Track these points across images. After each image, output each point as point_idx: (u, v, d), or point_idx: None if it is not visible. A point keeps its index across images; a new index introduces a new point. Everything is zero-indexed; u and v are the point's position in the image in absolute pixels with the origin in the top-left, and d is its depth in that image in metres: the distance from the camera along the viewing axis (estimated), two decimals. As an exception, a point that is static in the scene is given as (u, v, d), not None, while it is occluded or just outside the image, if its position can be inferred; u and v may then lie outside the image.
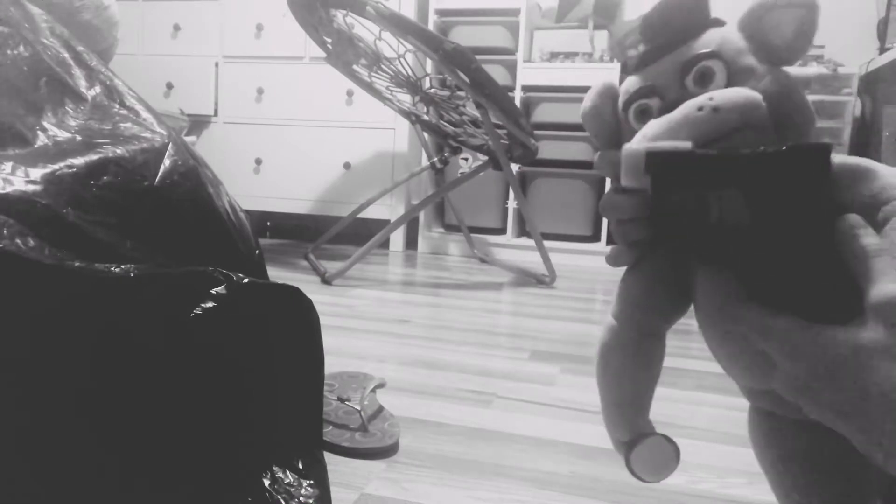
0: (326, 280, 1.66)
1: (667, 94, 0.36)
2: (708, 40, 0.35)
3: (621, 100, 0.39)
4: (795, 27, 0.34)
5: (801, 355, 0.29)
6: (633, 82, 0.38)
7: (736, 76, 0.35)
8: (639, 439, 0.39)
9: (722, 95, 0.33)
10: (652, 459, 0.38)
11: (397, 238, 2.38)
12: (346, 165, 2.29)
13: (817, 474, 0.37)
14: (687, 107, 0.33)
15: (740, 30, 0.36)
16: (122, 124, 0.57)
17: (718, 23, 0.36)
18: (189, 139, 2.31)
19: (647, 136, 0.34)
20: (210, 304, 0.49)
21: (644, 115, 0.37)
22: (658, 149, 0.32)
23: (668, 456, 0.38)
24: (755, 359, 0.33)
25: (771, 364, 0.31)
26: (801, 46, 0.34)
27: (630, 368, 0.39)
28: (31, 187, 0.45)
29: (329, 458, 0.64)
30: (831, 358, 0.28)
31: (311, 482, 0.54)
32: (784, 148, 0.30)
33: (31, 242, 0.43)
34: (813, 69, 2.22)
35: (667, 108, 0.35)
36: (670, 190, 0.33)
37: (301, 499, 0.52)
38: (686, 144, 0.32)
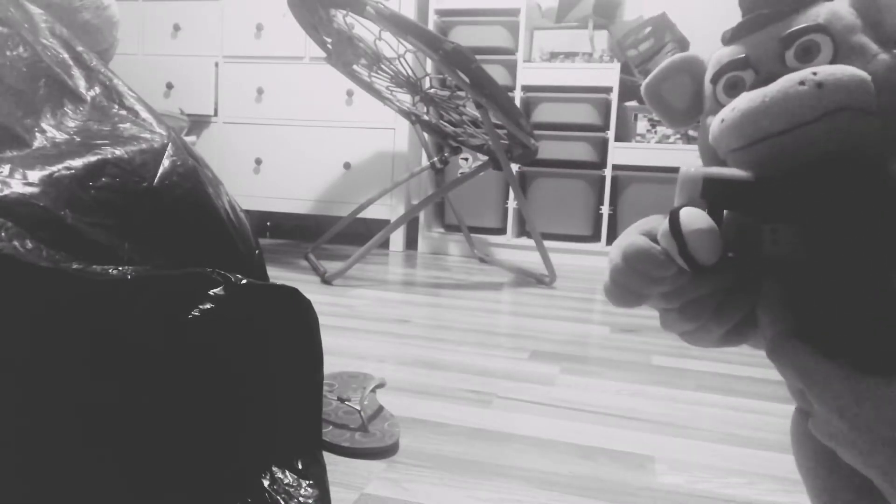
0: (326, 280, 1.66)
1: (762, 68, 0.33)
2: (815, 13, 0.33)
3: (711, 71, 0.36)
4: None
5: (838, 405, 0.28)
6: (725, 53, 0.36)
7: (843, 54, 0.32)
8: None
9: (827, 71, 0.30)
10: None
11: (397, 238, 2.38)
12: (346, 165, 2.29)
13: (854, 479, 0.35)
14: (786, 80, 0.30)
15: (852, 6, 0.33)
16: (121, 125, 0.57)
17: None
18: (189, 139, 2.31)
19: (737, 109, 0.32)
20: (208, 306, 0.49)
21: (734, 89, 0.34)
22: (716, 175, 0.31)
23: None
24: None
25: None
26: None
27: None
28: (29, 189, 0.45)
29: (329, 458, 0.64)
30: (874, 414, 0.27)
31: (311, 482, 0.54)
32: (848, 186, 0.29)
33: (30, 244, 0.43)
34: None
35: (761, 83, 0.32)
36: (726, 209, 0.31)
37: (300, 499, 0.52)
38: (747, 174, 0.31)
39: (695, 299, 0.34)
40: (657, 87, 0.40)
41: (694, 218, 0.32)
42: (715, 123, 0.34)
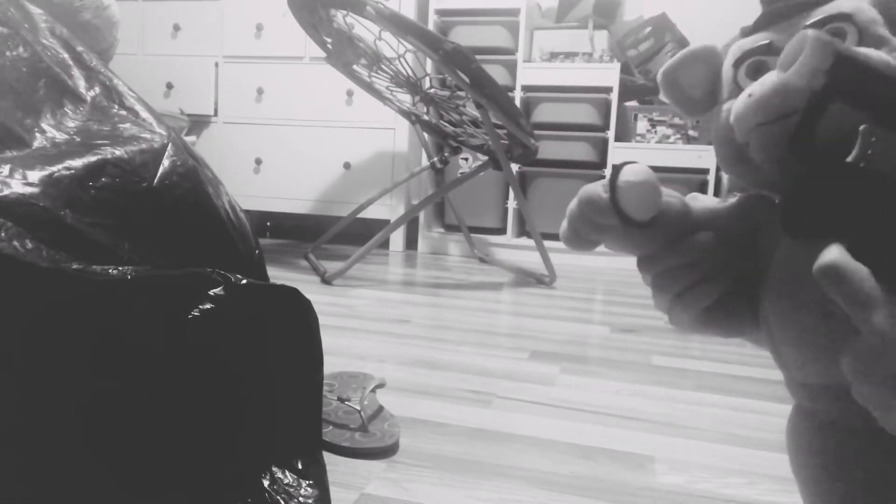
0: (326, 280, 1.66)
1: None
2: (839, 5, 0.33)
3: (733, 57, 0.37)
4: None
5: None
6: (748, 41, 0.36)
7: (867, 44, 0.32)
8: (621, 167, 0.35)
9: (859, 49, 0.30)
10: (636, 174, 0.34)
11: (397, 238, 2.38)
12: (346, 165, 2.29)
13: (861, 482, 0.34)
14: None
15: (873, 4, 0.33)
16: (121, 125, 0.57)
17: None
18: (189, 139, 2.31)
19: (766, 84, 0.32)
20: (208, 306, 0.49)
21: (758, 73, 0.34)
22: (851, 54, 0.29)
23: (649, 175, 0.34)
24: (831, 340, 0.30)
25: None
26: None
27: None
28: (28, 189, 0.45)
29: (329, 458, 0.64)
30: None
31: (311, 482, 0.54)
32: None
33: (30, 245, 0.43)
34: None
35: None
36: (842, 96, 0.29)
37: (300, 499, 0.52)
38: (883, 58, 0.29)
39: (665, 270, 0.35)
40: (674, 75, 0.40)
41: (631, 171, 0.32)
42: (741, 99, 0.34)
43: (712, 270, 0.35)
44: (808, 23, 0.34)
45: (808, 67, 0.28)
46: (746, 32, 0.37)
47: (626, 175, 0.33)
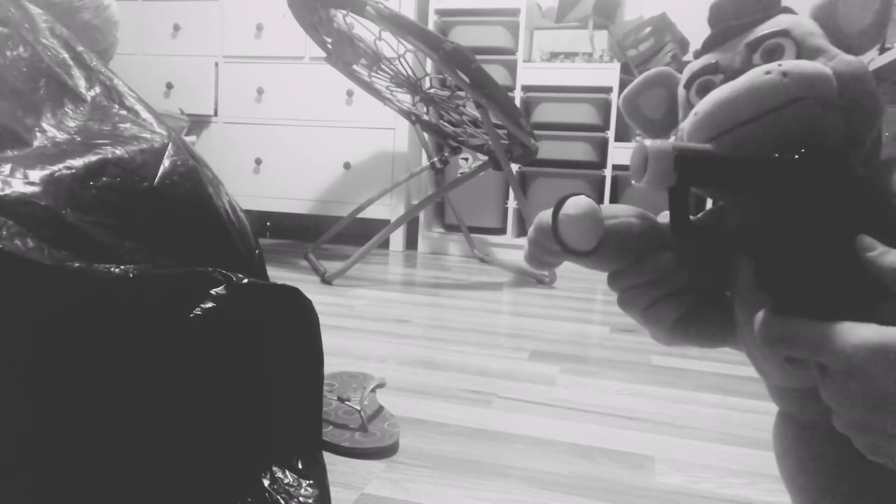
0: (326, 280, 1.66)
1: (732, 71, 0.35)
2: (777, 21, 0.35)
3: (684, 78, 0.38)
4: (872, 16, 0.33)
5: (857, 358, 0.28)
6: (697, 63, 0.38)
7: (805, 55, 0.33)
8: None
9: (792, 63, 0.32)
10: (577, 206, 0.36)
11: (397, 238, 2.38)
12: (346, 165, 2.29)
13: (843, 485, 0.35)
14: (754, 71, 0.32)
15: (813, 17, 0.35)
16: (121, 125, 0.57)
17: (789, 11, 0.36)
18: (189, 139, 2.31)
19: (709, 101, 0.33)
20: (210, 305, 0.49)
21: (705, 91, 0.36)
22: (688, 148, 0.32)
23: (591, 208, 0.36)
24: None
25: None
26: (875, 35, 0.34)
27: None
28: (30, 188, 0.45)
29: (329, 458, 0.64)
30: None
31: (311, 482, 0.54)
32: (797, 156, 0.30)
33: (31, 243, 0.43)
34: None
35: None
36: (694, 186, 0.32)
37: (301, 499, 0.52)
38: (711, 148, 0.33)
39: (629, 288, 0.37)
40: (634, 100, 0.41)
41: (572, 205, 0.34)
42: (689, 118, 0.35)
43: (675, 287, 0.37)
44: (748, 40, 0.35)
45: (657, 175, 0.31)
46: (697, 55, 0.39)
47: (566, 209, 0.34)
